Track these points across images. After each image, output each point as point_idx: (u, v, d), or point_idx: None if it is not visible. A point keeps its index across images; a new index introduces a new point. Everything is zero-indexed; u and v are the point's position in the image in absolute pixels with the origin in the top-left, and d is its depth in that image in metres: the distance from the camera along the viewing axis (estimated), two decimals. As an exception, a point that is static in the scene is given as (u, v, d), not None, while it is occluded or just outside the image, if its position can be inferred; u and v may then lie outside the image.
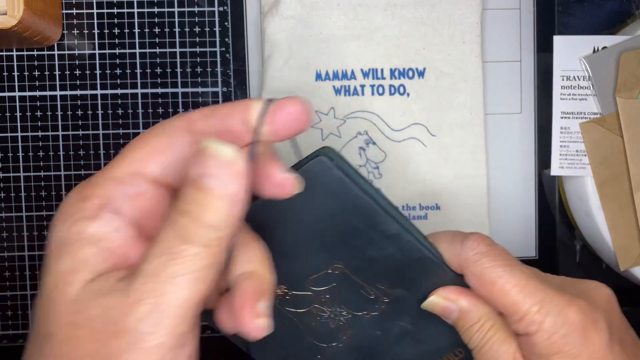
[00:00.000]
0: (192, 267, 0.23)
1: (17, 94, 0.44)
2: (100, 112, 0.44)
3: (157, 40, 0.44)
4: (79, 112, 0.44)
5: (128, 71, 0.44)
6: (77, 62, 0.44)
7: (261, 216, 0.30)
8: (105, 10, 0.44)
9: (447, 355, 0.34)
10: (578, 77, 0.44)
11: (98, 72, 0.44)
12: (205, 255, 0.24)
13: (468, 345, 0.32)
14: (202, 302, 0.24)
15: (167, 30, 0.44)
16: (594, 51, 0.43)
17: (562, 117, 0.44)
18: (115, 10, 0.44)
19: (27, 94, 0.44)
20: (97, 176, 0.25)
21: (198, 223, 0.24)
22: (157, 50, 0.44)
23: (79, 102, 0.44)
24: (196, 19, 0.44)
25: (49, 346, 0.24)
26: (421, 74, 0.45)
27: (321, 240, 0.32)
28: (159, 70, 0.44)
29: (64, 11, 0.44)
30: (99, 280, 0.24)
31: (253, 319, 0.25)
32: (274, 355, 0.34)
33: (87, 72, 0.44)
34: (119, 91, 0.44)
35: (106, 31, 0.44)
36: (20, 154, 0.44)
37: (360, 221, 0.31)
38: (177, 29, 0.44)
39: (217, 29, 0.45)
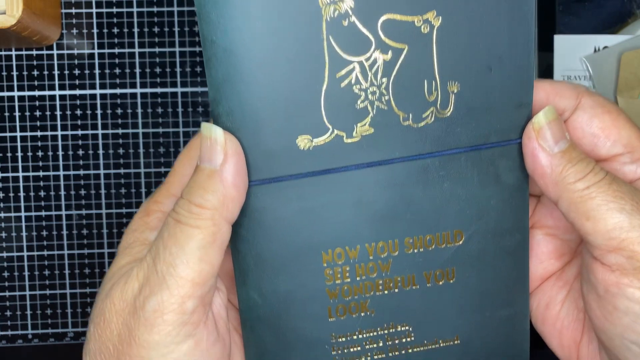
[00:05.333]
0: (189, 248, 0.24)
1: (16, 93, 0.44)
2: (99, 112, 0.44)
3: (156, 40, 0.44)
4: (78, 112, 0.44)
5: (127, 71, 0.44)
6: (76, 61, 0.44)
7: None
8: (104, 10, 0.44)
9: (444, 232, 0.27)
10: (579, 76, 0.44)
11: (97, 71, 0.44)
12: (200, 237, 0.24)
13: (570, 187, 0.26)
14: (207, 282, 0.25)
15: (167, 30, 0.44)
16: (595, 51, 0.43)
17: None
18: (114, 10, 0.44)
19: (27, 93, 0.44)
20: (157, 194, 0.28)
21: (190, 204, 0.24)
22: (157, 50, 0.44)
23: (78, 102, 0.44)
24: (196, 19, 0.44)
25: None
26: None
27: None
28: (158, 70, 0.44)
29: (63, 11, 0.44)
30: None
31: None
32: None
33: (87, 71, 0.44)
34: (118, 91, 0.44)
35: (105, 31, 0.44)
36: (20, 154, 0.44)
37: None
38: (177, 29, 0.44)
39: (216, 28, 0.44)
